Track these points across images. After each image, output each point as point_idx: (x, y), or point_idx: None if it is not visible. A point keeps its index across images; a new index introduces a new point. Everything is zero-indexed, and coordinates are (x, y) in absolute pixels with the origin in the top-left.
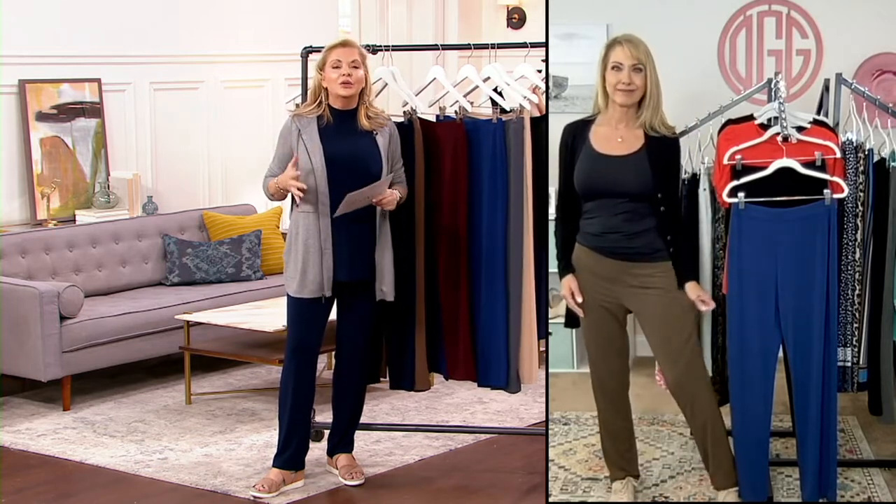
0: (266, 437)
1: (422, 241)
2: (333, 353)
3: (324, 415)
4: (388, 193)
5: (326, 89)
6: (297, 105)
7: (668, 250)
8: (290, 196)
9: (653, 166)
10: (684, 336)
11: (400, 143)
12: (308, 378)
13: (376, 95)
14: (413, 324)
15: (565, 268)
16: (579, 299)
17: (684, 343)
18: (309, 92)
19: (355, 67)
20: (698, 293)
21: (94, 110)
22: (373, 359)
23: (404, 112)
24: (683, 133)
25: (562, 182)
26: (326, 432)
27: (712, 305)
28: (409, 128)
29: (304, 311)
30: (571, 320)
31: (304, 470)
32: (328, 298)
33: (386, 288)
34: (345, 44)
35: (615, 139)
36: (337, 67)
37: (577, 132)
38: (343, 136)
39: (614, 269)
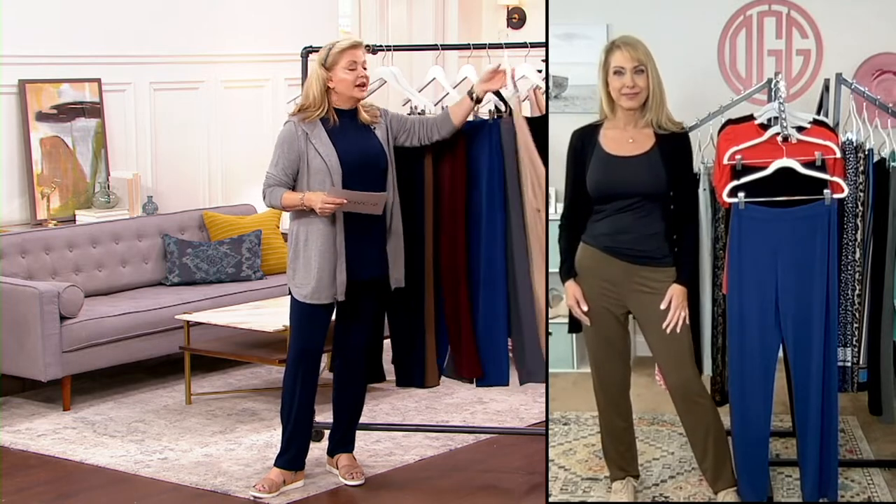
0: (266, 437)
1: (430, 239)
2: (331, 353)
3: (324, 415)
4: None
5: (329, 89)
6: (301, 107)
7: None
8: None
9: (666, 164)
10: (686, 340)
11: (399, 118)
12: (312, 381)
13: (371, 94)
14: (422, 321)
15: (568, 271)
16: (585, 308)
17: (685, 347)
18: (311, 93)
19: (365, 68)
20: (676, 303)
21: (94, 110)
22: (374, 358)
23: (410, 109)
24: (693, 128)
25: (569, 187)
26: (326, 432)
27: (671, 325)
28: None
29: (312, 316)
30: (574, 325)
31: (305, 470)
32: (339, 302)
33: (398, 275)
34: (356, 45)
35: (626, 140)
36: (353, 70)
37: (586, 137)
38: (351, 136)
39: (620, 270)
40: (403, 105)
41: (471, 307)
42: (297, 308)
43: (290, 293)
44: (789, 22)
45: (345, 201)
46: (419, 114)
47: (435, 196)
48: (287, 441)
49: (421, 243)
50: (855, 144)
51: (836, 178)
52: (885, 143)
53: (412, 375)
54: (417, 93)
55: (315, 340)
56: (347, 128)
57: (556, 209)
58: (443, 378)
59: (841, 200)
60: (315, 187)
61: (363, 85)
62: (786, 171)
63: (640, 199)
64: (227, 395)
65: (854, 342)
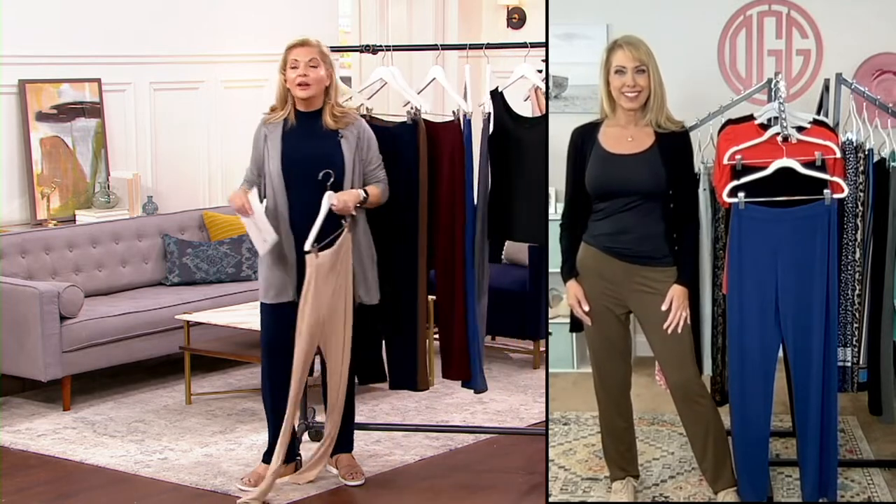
0: (266, 437)
1: (424, 240)
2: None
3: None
4: (340, 201)
5: (289, 90)
6: (271, 108)
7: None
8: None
9: (665, 163)
10: (687, 340)
11: (376, 141)
12: (281, 377)
13: (373, 94)
14: (415, 323)
15: (569, 271)
16: (586, 308)
17: (686, 347)
18: (277, 94)
19: (313, 67)
20: (677, 303)
21: (94, 110)
22: (371, 359)
23: (407, 112)
24: (693, 128)
25: (570, 185)
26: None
27: (672, 325)
28: (413, 128)
29: (270, 314)
30: (576, 325)
31: (294, 464)
32: (294, 303)
33: (364, 292)
34: (303, 43)
35: (625, 139)
36: (294, 68)
37: (586, 135)
38: (304, 139)
39: (621, 270)
40: (404, 106)
41: (465, 305)
42: (260, 305)
43: None
44: (789, 22)
45: (248, 210)
46: (416, 112)
47: (430, 191)
48: (272, 436)
49: (414, 245)
50: (855, 144)
51: (836, 178)
52: (885, 143)
53: (404, 378)
54: (416, 94)
55: (277, 338)
56: (304, 130)
57: (556, 209)
58: (443, 378)
59: (841, 200)
60: (268, 188)
61: (303, 84)
62: (786, 171)
63: (640, 198)
64: (227, 395)
65: (854, 342)
